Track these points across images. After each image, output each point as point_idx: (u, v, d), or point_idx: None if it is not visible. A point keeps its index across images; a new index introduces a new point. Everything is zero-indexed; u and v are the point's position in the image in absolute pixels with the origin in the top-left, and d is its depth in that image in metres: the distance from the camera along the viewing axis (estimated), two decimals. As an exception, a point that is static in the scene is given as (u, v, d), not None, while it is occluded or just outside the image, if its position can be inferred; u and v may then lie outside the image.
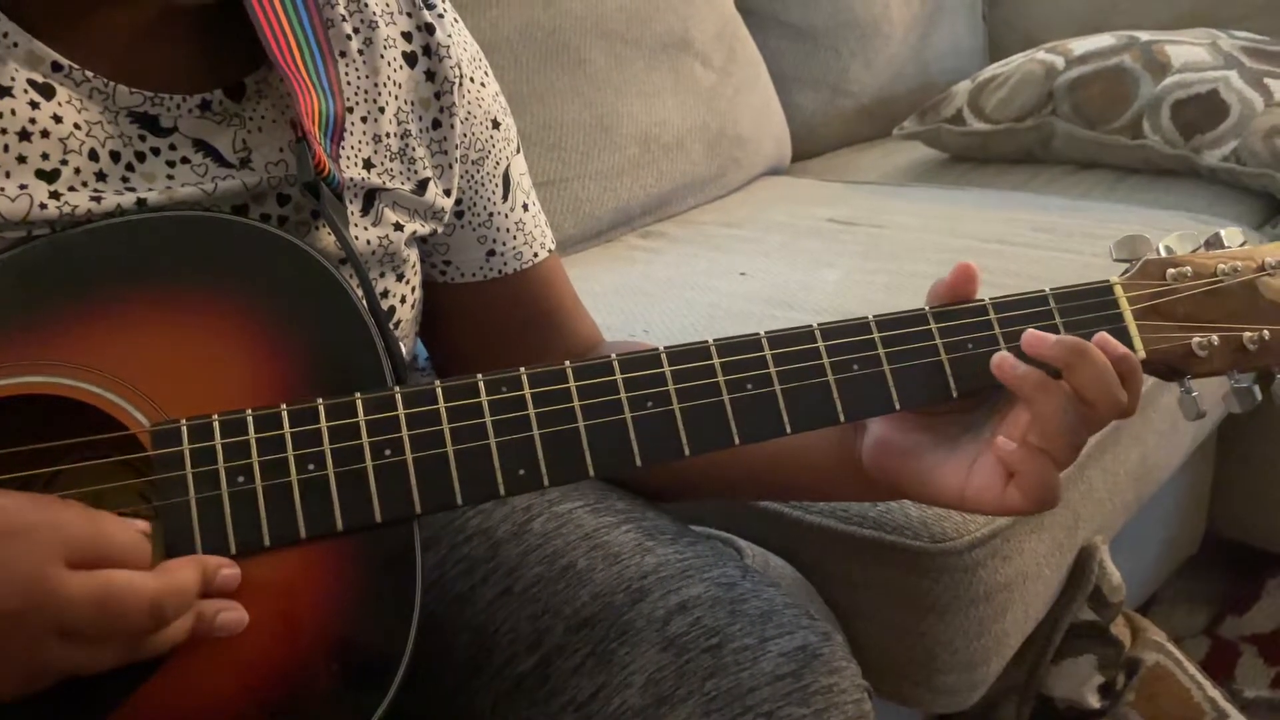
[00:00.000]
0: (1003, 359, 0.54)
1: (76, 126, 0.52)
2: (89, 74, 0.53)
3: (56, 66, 0.52)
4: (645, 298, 1.14)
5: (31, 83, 0.52)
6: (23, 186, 0.51)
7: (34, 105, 0.51)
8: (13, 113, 0.51)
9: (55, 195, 0.51)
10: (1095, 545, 0.96)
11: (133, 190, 0.53)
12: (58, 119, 0.52)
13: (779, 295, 1.11)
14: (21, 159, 0.51)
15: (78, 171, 0.52)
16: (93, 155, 0.53)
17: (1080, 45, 1.53)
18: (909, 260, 1.18)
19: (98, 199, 0.52)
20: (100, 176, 0.53)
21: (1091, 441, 0.94)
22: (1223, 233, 0.59)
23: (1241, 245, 0.59)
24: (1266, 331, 0.57)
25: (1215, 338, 0.56)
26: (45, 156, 0.52)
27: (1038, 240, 1.21)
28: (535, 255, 0.71)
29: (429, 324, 0.70)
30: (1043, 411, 0.52)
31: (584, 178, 1.32)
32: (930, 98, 1.64)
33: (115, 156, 0.53)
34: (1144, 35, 1.51)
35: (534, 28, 1.30)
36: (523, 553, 0.64)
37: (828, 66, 1.72)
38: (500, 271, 0.69)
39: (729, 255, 1.26)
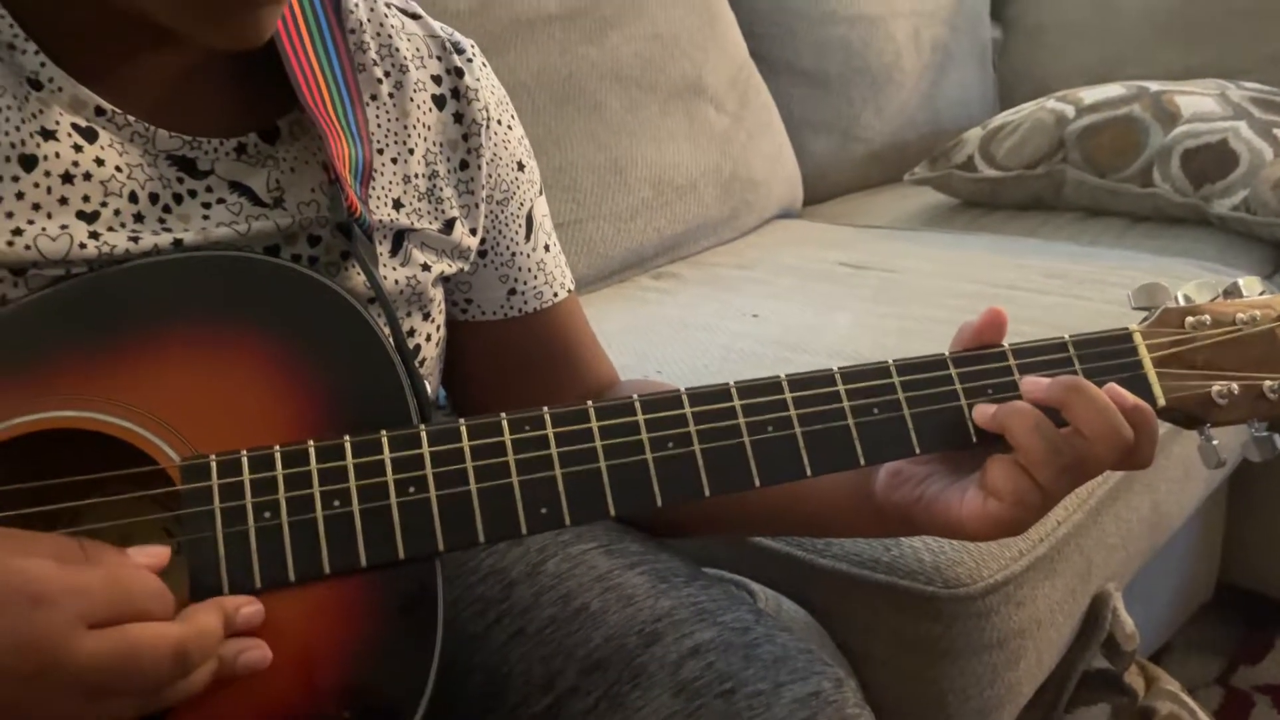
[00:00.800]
0: (980, 411, 0.55)
1: (118, 169, 0.53)
2: (130, 118, 0.53)
3: (99, 111, 0.53)
4: (657, 338, 1.15)
5: (75, 126, 0.52)
6: (64, 227, 0.51)
7: (77, 149, 0.52)
8: (56, 155, 0.52)
9: (94, 235, 0.52)
10: (1108, 592, 0.95)
11: (169, 231, 0.54)
12: (100, 162, 0.53)
13: (790, 337, 1.11)
14: (63, 200, 0.52)
15: (117, 213, 0.53)
16: (132, 197, 0.53)
17: (1090, 94, 1.54)
18: (920, 304, 1.18)
19: (135, 239, 0.53)
20: (138, 218, 0.53)
21: (1104, 488, 0.95)
22: (1241, 281, 0.59)
23: (1260, 294, 0.59)
24: (1287, 380, 0.57)
25: (1235, 386, 0.57)
26: (86, 199, 0.52)
27: (1049, 286, 1.22)
28: (555, 295, 0.71)
29: (447, 362, 0.70)
30: (1021, 443, 0.53)
31: (598, 219, 1.33)
32: (941, 144, 1.65)
33: (154, 198, 0.54)
34: (1153, 85, 1.52)
35: (550, 72, 1.32)
36: (536, 594, 0.64)
37: (839, 112, 1.73)
38: (521, 310, 0.70)
39: (741, 297, 1.26)
